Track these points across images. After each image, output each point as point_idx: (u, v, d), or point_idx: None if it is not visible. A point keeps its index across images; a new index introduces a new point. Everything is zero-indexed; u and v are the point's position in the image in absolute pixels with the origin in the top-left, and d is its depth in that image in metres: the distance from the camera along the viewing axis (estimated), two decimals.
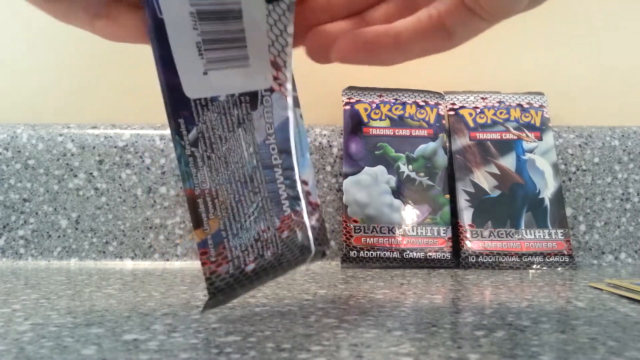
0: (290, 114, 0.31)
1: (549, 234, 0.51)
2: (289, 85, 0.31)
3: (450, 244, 0.50)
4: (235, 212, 0.28)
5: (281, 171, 0.31)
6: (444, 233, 0.51)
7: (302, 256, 0.32)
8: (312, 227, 0.32)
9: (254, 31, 0.28)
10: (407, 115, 0.55)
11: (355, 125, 0.54)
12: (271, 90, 0.30)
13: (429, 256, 0.50)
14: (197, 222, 0.26)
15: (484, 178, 0.53)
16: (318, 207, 0.33)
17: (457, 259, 0.50)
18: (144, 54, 0.60)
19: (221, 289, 0.27)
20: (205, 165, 0.27)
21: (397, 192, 0.52)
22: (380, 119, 0.54)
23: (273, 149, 0.30)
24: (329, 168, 0.55)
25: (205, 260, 0.26)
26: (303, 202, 0.32)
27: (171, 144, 0.54)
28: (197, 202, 0.26)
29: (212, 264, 0.27)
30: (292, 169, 0.31)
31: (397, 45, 0.26)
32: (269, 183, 0.30)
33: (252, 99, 0.29)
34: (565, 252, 0.50)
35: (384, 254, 0.50)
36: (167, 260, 0.53)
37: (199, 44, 0.26)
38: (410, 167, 0.53)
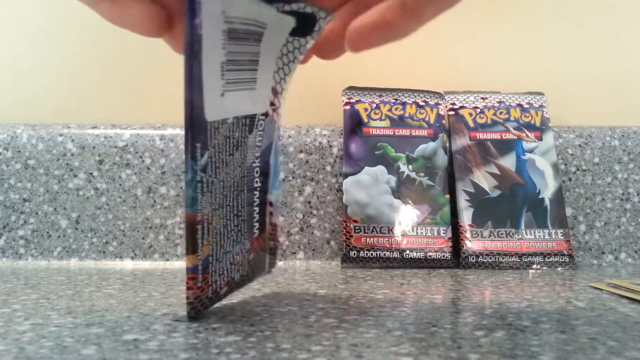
0: (276, 139, 0.31)
1: (549, 234, 0.51)
2: (281, 111, 0.31)
3: (450, 244, 0.50)
4: (222, 236, 0.27)
5: (258, 194, 0.30)
6: (444, 233, 0.51)
7: (257, 275, 0.32)
8: (271, 248, 0.33)
9: (267, 56, 0.28)
10: (407, 115, 0.55)
11: (355, 125, 0.54)
12: (266, 114, 0.30)
13: (429, 256, 0.50)
14: (193, 248, 0.25)
15: (484, 178, 0.53)
16: (276, 228, 0.33)
17: (457, 259, 0.50)
18: (144, 54, 0.60)
19: (198, 312, 0.27)
20: (208, 191, 0.26)
21: (397, 192, 0.52)
22: (380, 119, 0.54)
23: (257, 172, 0.30)
24: (329, 168, 0.55)
25: (192, 286, 0.26)
26: (267, 224, 0.32)
27: (171, 144, 0.54)
28: (196, 228, 0.25)
29: (197, 289, 0.26)
30: (266, 191, 0.31)
31: (407, 14, 0.25)
32: (249, 206, 0.30)
33: (251, 122, 0.28)
34: (565, 252, 0.50)
35: (384, 254, 0.50)
36: (167, 260, 0.53)
37: (224, 64, 0.25)
38: (410, 167, 0.53)
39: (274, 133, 0.31)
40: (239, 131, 0.27)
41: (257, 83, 0.28)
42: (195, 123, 0.24)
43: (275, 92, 0.30)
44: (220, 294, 0.28)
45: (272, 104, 0.30)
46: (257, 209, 0.30)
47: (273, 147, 0.31)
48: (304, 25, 0.27)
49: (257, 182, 0.30)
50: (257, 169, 0.30)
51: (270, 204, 0.32)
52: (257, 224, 0.31)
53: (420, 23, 0.26)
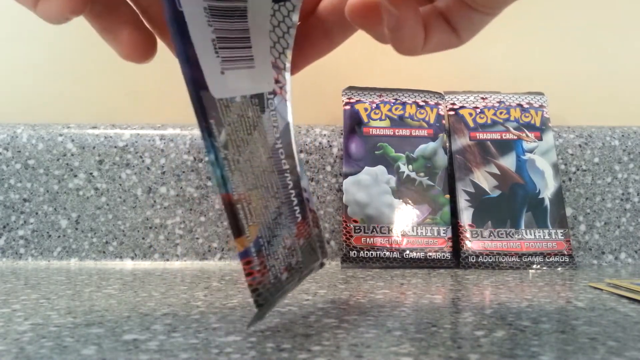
0: (290, 119, 0.30)
1: (549, 234, 0.51)
2: (288, 88, 0.30)
3: (450, 244, 0.50)
4: (267, 218, 0.26)
5: (290, 177, 0.30)
6: (444, 233, 0.51)
7: (312, 265, 0.31)
8: (317, 235, 0.32)
9: (257, 31, 0.28)
10: (407, 115, 0.55)
11: (355, 125, 0.54)
12: (274, 93, 0.29)
13: (429, 256, 0.50)
14: (239, 230, 0.24)
15: (484, 178, 0.53)
16: (316, 215, 0.32)
17: (457, 259, 0.50)
18: None
19: (266, 299, 0.25)
20: (236, 169, 0.25)
21: (397, 192, 0.52)
22: (380, 119, 0.54)
23: (281, 154, 0.29)
24: (329, 168, 0.55)
25: (250, 270, 0.24)
26: (307, 210, 0.31)
27: (171, 144, 0.54)
28: (236, 208, 0.24)
29: (257, 274, 0.25)
30: (297, 174, 0.30)
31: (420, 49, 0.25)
32: (284, 189, 0.29)
33: (260, 101, 0.28)
34: (565, 252, 0.50)
35: (384, 254, 0.50)
36: (167, 260, 0.53)
37: (214, 41, 0.25)
38: (410, 167, 0.53)
39: (287, 113, 0.30)
40: (251, 110, 0.27)
41: (255, 60, 0.27)
42: (204, 100, 0.23)
43: (277, 69, 0.29)
44: (282, 280, 0.27)
45: (277, 81, 0.29)
46: (292, 192, 0.29)
47: (292, 128, 0.30)
48: None
49: (284, 164, 0.29)
50: (281, 150, 0.29)
51: (305, 190, 0.31)
52: (297, 208, 0.29)
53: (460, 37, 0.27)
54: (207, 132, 0.23)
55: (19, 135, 0.54)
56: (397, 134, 0.54)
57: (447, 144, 0.54)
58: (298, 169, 0.30)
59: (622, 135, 0.57)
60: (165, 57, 0.63)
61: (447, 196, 0.52)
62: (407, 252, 0.50)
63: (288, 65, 0.30)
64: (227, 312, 0.30)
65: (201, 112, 0.23)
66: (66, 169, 0.54)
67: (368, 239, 0.50)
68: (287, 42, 0.29)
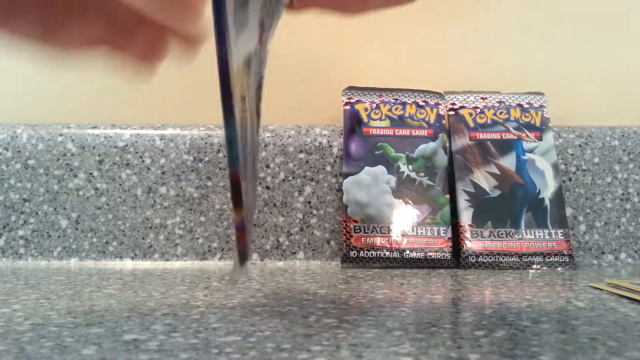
0: (264, 73, 0.29)
1: (549, 234, 0.51)
2: (269, 48, 0.29)
3: (450, 244, 0.50)
4: (247, 187, 0.27)
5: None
6: (444, 233, 0.51)
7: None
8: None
9: None
10: (407, 115, 0.55)
11: (355, 125, 0.54)
12: (255, 51, 0.28)
13: (429, 256, 0.50)
14: (240, 204, 0.24)
15: (484, 178, 0.53)
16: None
17: (457, 259, 0.50)
18: None
19: (248, 253, 0.26)
20: (240, 144, 0.25)
21: (397, 192, 0.52)
22: (380, 119, 0.54)
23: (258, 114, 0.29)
24: (329, 168, 0.55)
25: (243, 239, 0.25)
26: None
27: (171, 144, 0.54)
28: (241, 184, 0.24)
29: (244, 239, 0.25)
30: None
31: None
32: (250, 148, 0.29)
33: (247, 62, 0.26)
34: (565, 252, 0.50)
35: (384, 254, 0.50)
36: (167, 260, 0.53)
37: (235, 11, 0.23)
38: (410, 167, 0.53)
39: (263, 69, 0.29)
40: (246, 77, 0.26)
41: (250, 21, 0.27)
42: (228, 74, 0.22)
43: (262, 27, 0.28)
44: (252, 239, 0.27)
45: (260, 39, 0.28)
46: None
47: (263, 83, 0.29)
48: None
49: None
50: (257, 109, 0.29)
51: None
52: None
53: None
54: (229, 111, 0.23)
55: (19, 135, 0.54)
56: (397, 134, 0.54)
57: (447, 144, 0.54)
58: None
59: (622, 135, 0.57)
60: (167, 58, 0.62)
61: (447, 196, 0.52)
62: (407, 252, 0.50)
63: (275, 25, 0.28)
64: (227, 312, 0.30)
65: (226, 87, 0.22)
66: (66, 169, 0.54)
67: (368, 239, 0.50)
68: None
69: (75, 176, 0.54)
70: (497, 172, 0.53)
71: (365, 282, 0.41)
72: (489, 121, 0.55)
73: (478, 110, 0.56)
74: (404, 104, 0.55)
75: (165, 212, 0.54)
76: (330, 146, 0.55)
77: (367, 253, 0.50)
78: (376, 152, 0.53)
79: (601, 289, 0.38)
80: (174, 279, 0.43)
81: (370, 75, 0.61)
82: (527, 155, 0.53)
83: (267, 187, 0.55)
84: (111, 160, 0.54)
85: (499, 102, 0.56)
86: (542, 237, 0.50)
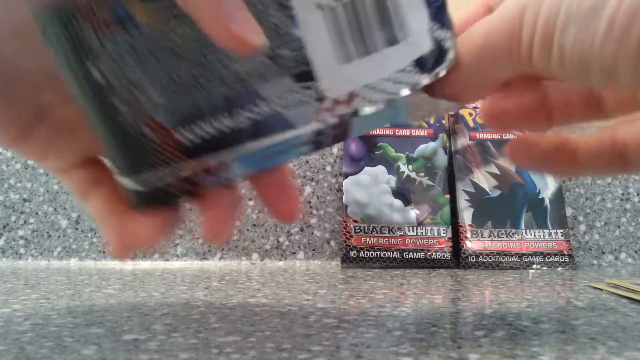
0: None
1: (549, 234, 0.51)
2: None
3: (450, 244, 0.50)
4: None
5: None
6: (444, 233, 0.51)
7: None
8: None
9: None
10: None
11: None
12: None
13: (429, 256, 0.50)
14: None
15: (484, 178, 0.53)
16: None
17: (457, 259, 0.50)
18: None
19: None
20: None
21: (397, 192, 0.52)
22: None
23: None
24: (329, 168, 0.55)
25: None
26: None
27: None
28: None
29: None
30: None
31: (571, 162, 0.25)
32: None
33: None
34: (565, 252, 0.50)
35: (384, 254, 0.50)
36: (167, 260, 0.53)
37: None
38: (410, 167, 0.53)
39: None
40: None
41: None
42: None
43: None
44: None
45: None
46: None
47: None
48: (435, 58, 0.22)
49: None
50: None
51: None
52: None
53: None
54: None
55: None
56: (397, 134, 0.54)
57: (447, 144, 0.54)
58: None
59: None
60: None
61: (447, 196, 0.52)
62: (407, 252, 0.50)
63: None
64: (227, 312, 0.30)
65: None
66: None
67: (368, 239, 0.50)
68: None
69: None
70: (497, 172, 0.53)
71: (365, 282, 0.41)
72: None
73: (478, 110, 0.56)
74: None
75: None
76: (330, 146, 0.55)
77: (367, 253, 0.50)
78: (376, 152, 0.53)
79: (601, 289, 0.38)
80: (174, 279, 0.43)
81: None
82: None
83: None
84: None
85: None
86: (542, 237, 0.50)
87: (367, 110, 0.22)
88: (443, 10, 0.22)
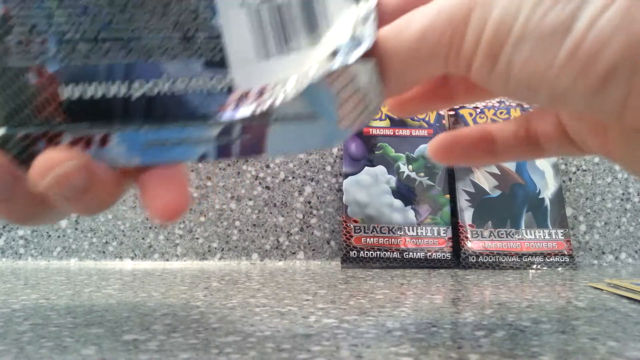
0: None
1: (549, 234, 0.51)
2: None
3: (450, 244, 0.50)
4: None
5: None
6: (444, 233, 0.51)
7: None
8: None
9: None
10: None
11: None
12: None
13: (429, 256, 0.50)
14: None
15: (484, 178, 0.53)
16: None
17: (457, 259, 0.50)
18: None
19: None
20: None
21: (397, 192, 0.52)
22: (380, 119, 0.54)
23: None
24: (329, 168, 0.55)
25: None
26: None
27: None
28: None
29: None
30: None
31: (491, 152, 0.26)
32: None
33: None
34: (566, 252, 0.50)
35: (384, 254, 0.50)
36: (167, 260, 0.53)
37: None
38: (410, 167, 0.53)
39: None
40: None
41: None
42: None
43: None
44: None
45: None
46: None
47: None
48: None
49: None
50: None
51: None
52: None
53: None
54: None
55: None
56: (397, 134, 0.54)
57: None
58: None
59: None
60: None
61: (447, 196, 0.52)
62: (407, 252, 0.50)
63: None
64: (227, 312, 0.30)
65: None
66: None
67: (368, 239, 0.50)
68: None
69: None
70: (497, 172, 0.53)
71: (365, 282, 0.41)
72: (489, 121, 0.55)
73: (478, 110, 0.55)
74: None
75: None
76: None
77: (367, 253, 0.50)
78: (376, 152, 0.53)
79: (601, 289, 0.38)
80: (174, 279, 0.43)
81: None
82: None
83: (267, 187, 0.55)
84: None
85: (499, 102, 0.56)
86: (542, 237, 0.50)
87: (280, 111, 0.21)
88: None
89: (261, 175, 0.55)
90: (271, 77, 0.21)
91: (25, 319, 0.28)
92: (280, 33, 0.21)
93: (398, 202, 0.52)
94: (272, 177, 0.54)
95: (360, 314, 0.29)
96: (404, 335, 0.25)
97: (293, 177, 0.55)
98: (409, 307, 0.31)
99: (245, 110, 0.21)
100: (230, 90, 0.21)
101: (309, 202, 0.54)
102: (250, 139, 0.21)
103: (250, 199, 0.55)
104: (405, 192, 0.52)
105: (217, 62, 0.21)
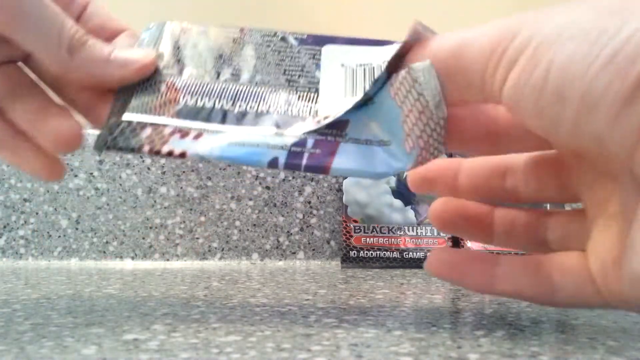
0: None
1: None
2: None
3: (450, 244, 0.50)
4: None
5: None
6: (443, 233, 0.51)
7: None
8: None
9: None
10: None
11: None
12: None
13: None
14: None
15: None
16: None
17: None
18: None
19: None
20: None
21: (397, 192, 0.52)
22: None
23: None
24: None
25: None
26: None
27: None
28: None
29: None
30: None
31: (490, 286, 0.25)
32: None
33: None
34: None
35: (384, 254, 0.50)
36: (167, 260, 0.53)
37: None
38: None
39: None
40: None
41: None
42: None
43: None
44: None
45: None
46: None
47: None
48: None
49: None
50: None
51: None
52: None
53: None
54: None
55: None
56: None
57: None
58: None
59: None
60: None
61: None
62: (407, 252, 0.50)
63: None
64: (227, 312, 0.30)
65: None
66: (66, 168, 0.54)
67: (368, 239, 0.50)
68: None
69: (76, 176, 0.54)
70: None
71: (365, 282, 0.41)
72: None
73: None
74: None
75: (165, 212, 0.54)
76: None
77: (367, 253, 0.50)
78: None
79: None
80: (174, 278, 0.43)
81: None
82: None
83: (267, 187, 0.55)
84: (111, 160, 0.54)
85: None
86: None
87: (353, 131, 0.24)
88: None
89: (261, 175, 0.55)
90: (346, 106, 0.25)
91: (26, 319, 0.28)
92: (363, 85, 0.25)
93: (398, 202, 0.52)
94: (272, 177, 0.54)
95: (360, 313, 0.29)
96: (404, 335, 0.25)
97: (293, 177, 0.55)
98: (409, 307, 0.32)
99: (320, 123, 0.25)
100: (313, 115, 0.25)
101: (309, 202, 0.54)
102: (319, 154, 0.24)
103: (250, 199, 0.55)
104: (405, 192, 0.52)
105: (309, 96, 0.26)
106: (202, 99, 0.26)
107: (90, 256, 0.53)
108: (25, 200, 0.54)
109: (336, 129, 0.24)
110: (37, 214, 0.53)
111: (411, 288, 0.38)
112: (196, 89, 0.27)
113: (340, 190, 0.54)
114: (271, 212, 0.54)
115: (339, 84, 0.25)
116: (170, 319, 0.28)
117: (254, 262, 0.53)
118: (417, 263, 0.50)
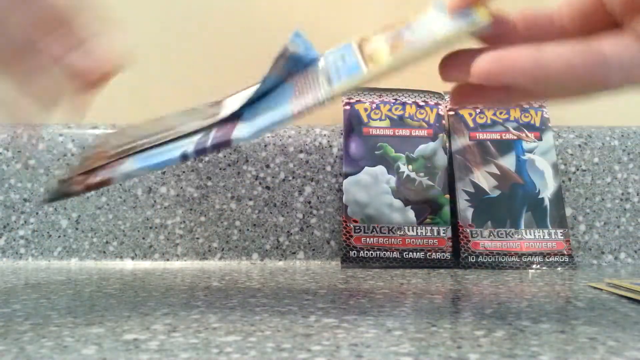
0: None
1: (549, 234, 0.51)
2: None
3: (450, 244, 0.50)
4: None
5: None
6: (444, 233, 0.51)
7: None
8: None
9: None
10: (407, 115, 0.55)
11: (355, 125, 0.54)
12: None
13: (429, 256, 0.50)
14: None
15: (483, 178, 0.53)
16: None
17: (457, 259, 0.50)
18: (145, 53, 0.60)
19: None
20: None
21: (397, 192, 0.52)
22: (380, 119, 0.54)
23: None
24: (329, 168, 0.55)
25: None
26: None
27: None
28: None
29: None
30: None
31: (537, 62, 0.24)
32: None
33: None
34: (565, 252, 0.50)
35: (384, 254, 0.50)
36: (167, 260, 0.53)
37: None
38: (410, 167, 0.53)
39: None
40: None
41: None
42: None
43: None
44: None
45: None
46: None
47: None
48: None
49: None
50: None
51: None
52: None
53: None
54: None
55: (19, 135, 0.54)
56: (397, 134, 0.54)
57: (447, 144, 0.54)
58: None
59: (622, 135, 0.57)
60: (166, 58, 0.63)
61: (447, 196, 0.52)
62: (407, 252, 0.50)
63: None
64: (227, 312, 0.30)
65: None
66: (66, 169, 0.54)
67: (368, 239, 0.50)
68: None
69: None
70: (497, 172, 0.53)
71: (365, 282, 0.41)
72: (488, 121, 0.55)
73: (478, 110, 0.56)
74: (403, 104, 0.55)
75: (165, 212, 0.54)
76: (330, 146, 0.55)
77: (367, 253, 0.50)
78: (376, 152, 0.53)
79: (601, 289, 0.38)
80: (174, 278, 0.43)
81: None
82: (527, 155, 0.54)
83: (267, 187, 0.55)
84: None
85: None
86: (541, 237, 0.50)
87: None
88: None
89: (261, 175, 0.55)
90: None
91: (26, 319, 0.28)
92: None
93: (398, 202, 0.52)
94: (272, 177, 0.55)
95: (360, 313, 0.29)
96: (404, 335, 0.25)
97: (293, 177, 0.55)
98: (408, 307, 0.32)
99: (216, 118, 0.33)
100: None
101: (309, 202, 0.54)
102: (220, 135, 0.30)
103: (250, 199, 0.55)
104: (405, 192, 0.52)
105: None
106: (127, 142, 0.33)
107: (90, 256, 0.53)
108: (25, 200, 0.54)
109: (234, 118, 0.30)
110: (37, 213, 0.53)
111: (411, 288, 0.38)
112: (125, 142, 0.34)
113: (340, 190, 0.54)
114: (271, 212, 0.54)
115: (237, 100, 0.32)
116: (170, 319, 0.28)
117: (254, 262, 0.53)
118: (417, 263, 0.50)
